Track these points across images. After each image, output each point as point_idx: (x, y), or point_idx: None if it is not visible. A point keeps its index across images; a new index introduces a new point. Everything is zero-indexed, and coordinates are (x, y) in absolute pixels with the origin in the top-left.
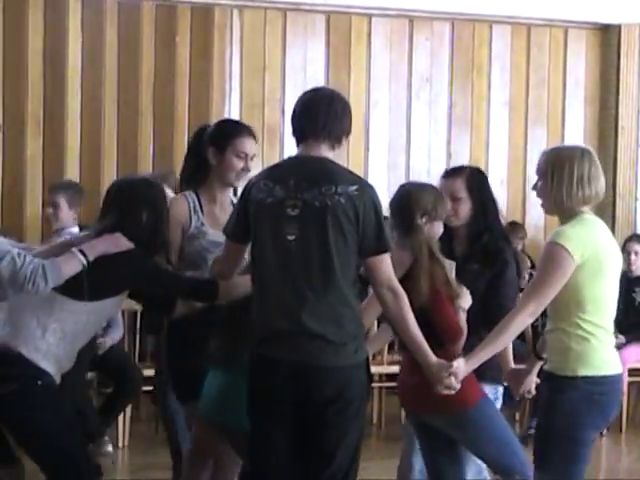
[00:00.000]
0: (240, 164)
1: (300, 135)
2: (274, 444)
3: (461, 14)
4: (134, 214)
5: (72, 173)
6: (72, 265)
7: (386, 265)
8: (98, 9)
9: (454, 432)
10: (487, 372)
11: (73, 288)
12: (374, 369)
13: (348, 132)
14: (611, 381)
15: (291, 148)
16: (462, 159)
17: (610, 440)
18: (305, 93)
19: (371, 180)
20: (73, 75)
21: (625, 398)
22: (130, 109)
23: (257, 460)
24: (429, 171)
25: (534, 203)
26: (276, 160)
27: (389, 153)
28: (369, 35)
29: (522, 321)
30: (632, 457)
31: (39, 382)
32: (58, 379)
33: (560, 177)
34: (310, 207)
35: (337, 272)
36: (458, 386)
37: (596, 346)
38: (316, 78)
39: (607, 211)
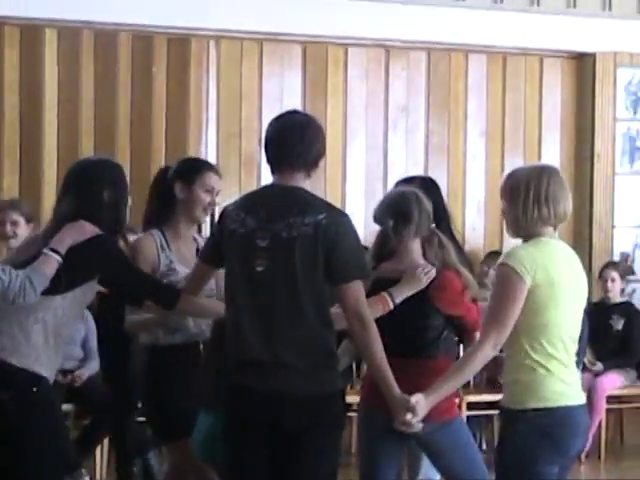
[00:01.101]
0: (207, 198)
1: (274, 164)
2: (250, 475)
3: (437, 43)
4: (96, 193)
5: (49, 205)
6: (50, 266)
7: (355, 293)
8: (74, 40)
9: (434, 442)
10: None
11: (61, 287)
12: (352, 399)
13: (323, 154)
14: (564, 414)
15: (268, 177)
16: (440, 188)
17: (588, 468)
18: (276, 119)
19: (349, 209)
20: (50, 107)
21: (604, 425)
22: (107, 140)
23: None
24: None
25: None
26: (253, 189)
27: (366, 182)
28: (345, 65)
29: (485, 354)
30: None
31: (34, 389)
32: (53, 378)
33: (516, 197)
34: (278, 238)
35: (306, 303)
36: (418, 427)
37: (546, 377)
38: (293, 107)
39: (584, 239)
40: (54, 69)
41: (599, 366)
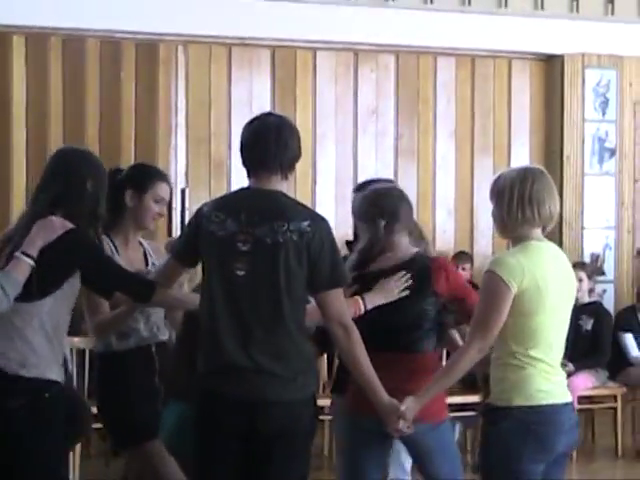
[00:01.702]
0: (156, 208)
1: (250, 167)
2: (220, 479)
3: (405, 46)
4: (80, 182)
5: (19, 209)
6: (22, 270)
7: (337, 300)
8: (42, 45)
9: (424, 443)
10: None
11: (45, 289)
12: (324, 402)
13: (299, 157)
14: (548, 411)
15: (238, 182)
16: (409, 190)
17: None
18: (251, 121)
19: (319, 212)
20: (18, 113)
21: None
22: (76, 144)
23: None
24: None
25: (482, 232)
26: (223, 193)
27: (336, 186)
28: (314, 68)
29: (470, 358)
30: None
31: (47, 394)
32: (62, 376)
33: (502, 199)
34: (261, 243)
35: (286, 309)
36: (409, 431)
37: (533, 375)
38: (262, 111)
39: (554, 239)
40: (22, 75)
41: (570, 367)
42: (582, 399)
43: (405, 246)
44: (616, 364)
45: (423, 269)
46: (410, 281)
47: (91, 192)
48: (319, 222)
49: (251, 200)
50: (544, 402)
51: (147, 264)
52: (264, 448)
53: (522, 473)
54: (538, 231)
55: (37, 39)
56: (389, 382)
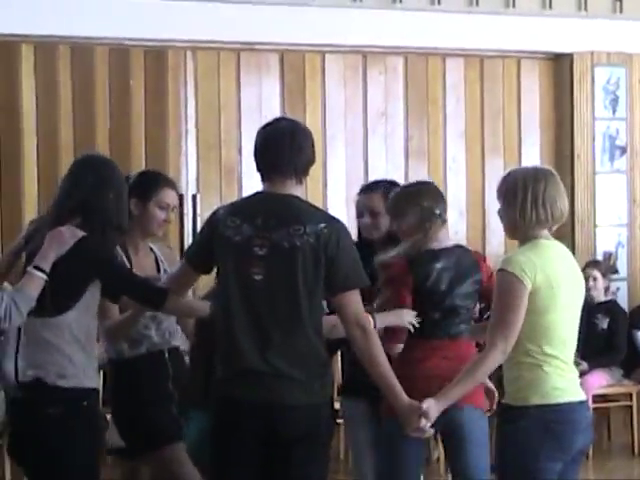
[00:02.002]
0: (162, 215)
1: (264, 171)
2: None
3: (414, 48)
4: (105, 193)
5: (30, 217)
6: (35, 285)
7: (354, 302)
8: (51, 53)
9: (470, 428)
10: None
11: (60, 306)
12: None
13: (313, 161)
14: (566, 409)
15: (249, 187)
16: None
17: None
18: (265, 126)
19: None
20: (28, 122)
21: None
22: (86, 152)
23: None
24: None
25: (494, 232)
26: (234, 199)
27: (347, 187)
28: (323, 71)
29: (494, 359)
30: None
31: (85, 403)
32: (99, 382)
33: (514, 198)
34: (278, 248)
35: (304, 313)
36: (430, 431)
37: (548, 373)
38: (272, 116)
39: (566, 238)
40: (31, 84)
41: (584, 365)
42: (597, 397)
43: (447, 236)
44: (631, 362)
45: (468, 255)
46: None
47: (113, 202)
48: (335, 224)
49: (266, 204)
50: (561, 400)
51: (159, 270)
52: (283, 452)
53: (540, 472)
54: (546, 231)
55: (46, 48)
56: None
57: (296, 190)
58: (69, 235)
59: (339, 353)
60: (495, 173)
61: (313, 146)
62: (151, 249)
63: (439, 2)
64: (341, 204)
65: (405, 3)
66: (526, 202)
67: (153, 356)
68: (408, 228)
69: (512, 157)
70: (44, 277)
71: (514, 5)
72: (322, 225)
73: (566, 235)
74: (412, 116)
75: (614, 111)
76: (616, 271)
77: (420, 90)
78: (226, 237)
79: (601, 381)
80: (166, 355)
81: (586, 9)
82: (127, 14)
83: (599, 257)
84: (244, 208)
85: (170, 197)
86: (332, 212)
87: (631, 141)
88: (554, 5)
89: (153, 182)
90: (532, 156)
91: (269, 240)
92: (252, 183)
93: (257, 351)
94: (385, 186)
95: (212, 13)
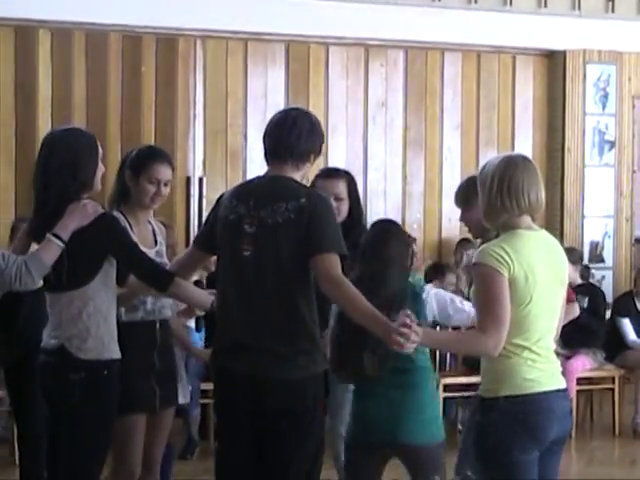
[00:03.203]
0: (152, 189)
1: (267, 155)
2: (234, 454)
3: (414, 42)
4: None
5: None
6: (51, 252)
7: (328, 263)
8: (67, 39)
9: None
10: None
11: (78, 280)
12: None
13: (316, 151)
14: (537, 399)
15: (253, 171)
16: (417, 180)
17: None
18: (275, 114)
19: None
20: (43, 103)
21: (575, 406)
22: (99, 136)
23: (219, 470)
24: (385, 191)
25: None
26: (238, 182)
27: None
28: (327, 63)
29: (481, 347)
30: (582, 462)
31: (105, 372)
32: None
33: (484, 187)
34: (264, 225)
35: (290, 288)
36: (411, 347)
37: (518, 365)
38: (276, 104)
39: (555, 228)
40: (47, 68)
41: (566, 351)
42: (582, 380)
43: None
44: (614, 347)
45: None
46: None
47: (62, 173)
48: (316, 197)
49: (260, 186)
50: (531, 391)
51: (156, 242)
52: (270, 425)
53: (514, 465)
54: (526, 219)
55: (62, 33)
56: None
57: (295, 175)
58: (90, 209)
59: None
60: None
61: (318, 135)
62: (149, 222)
63: None
64: None
65: None
66: (492, 190)
67: (145, 324)
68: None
69: (505, 149)
70: (62, 245)
71: (511, 3)
72: (303, 200)
73: (555, 225)
74: (411, 107)
75: (604, 107)
76: (602, 260)
77: (419, 82)
78: (224, 217)
79: (585, 364)
80: (157, 326)
81: (579, 8)
82: (140, 2)
83: (586, 247)
84: (242, 190)
85: (160, 172)
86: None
87: (619, 136)
88: (549, 4)
89: (145, 157)
90: (525, 148)
91: (257, 218)
92: (256, 167)
93: (246, 324)
94: (346, 174)
95: (222, 4)
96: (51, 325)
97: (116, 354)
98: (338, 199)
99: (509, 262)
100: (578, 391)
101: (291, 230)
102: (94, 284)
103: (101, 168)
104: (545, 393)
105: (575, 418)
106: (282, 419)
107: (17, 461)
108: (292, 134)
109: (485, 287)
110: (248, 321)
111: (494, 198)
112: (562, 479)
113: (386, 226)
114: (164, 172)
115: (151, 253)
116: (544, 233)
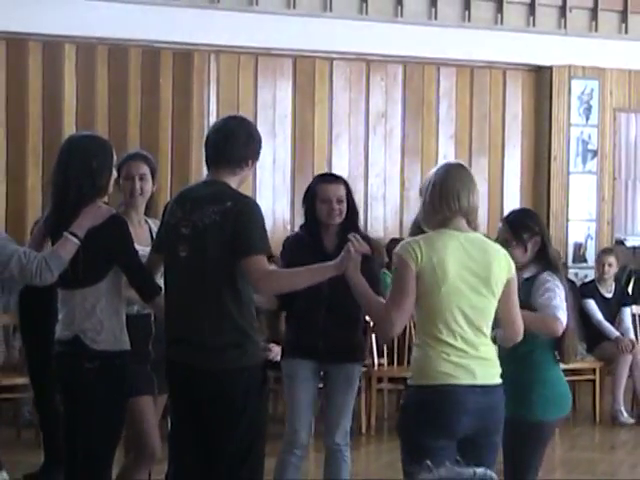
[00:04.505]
0: (129, 185)
1: (206, 161)
2: (180, 438)
3: (412, 57)
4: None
5: None
6: (69, 248)
7: (256, 264)
8: (90, 54)
9: None
10: (356, 352)
11: (93, 277)
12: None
13: (253, 157)
14: (445, 391)
15: (262, 176)
16: (414, 185)
17: None
18: (215, 122)
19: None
20: (69, 112)
21: None
22: (119, 143)
23: (170, 450)
24: (385, 196)
25: (481, 225)
26: (249, 188)
27: (349, 180)
28: (331, 76)
29: (380, 322)
30: (565, 447)
31: (116, 362)
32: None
33: (424, 192)
34: (195, 227)
35: (220, 287)
36: (360, 249)
37: (432, 357)
38: (284, 114)
39: None
40: (73, 80)
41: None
42: (565, 372)
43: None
44: (592, 339)
45: None
46: None
47: (75, 176)
48: (242, 200)
49: (196, 191)
50: (441, 382)
51: (152, 240)
52: (203, 411)
53: (420, 447)
54: (457, 221)
55: (86, 48)
56: None
57: (229, 179)
58: (104, 210)
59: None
60: (481, 171)
61: (254, 145)
62: (146, 221)
63: (436, 17)
64: None
65: (406, 17)
66: (427, 194)
67: (141, 317)
68: None
69: (496, 157)
70: (77, 242)
71: (502, 22)
72: (229, 203)
73: None
74: (409, 118)
75: (587, 119)
76: (585, 260)
77: (416, 95)
78: (166, 221)
79: None
80: (152, 318)
81: (565, 28)
82: (159, 20)
83: (570, 248)
84: (182, 195)
85: (132, 168)
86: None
87: (601, 146)
88: (537, 23)
89: (123, 160)
90: (514, 157)
91: (191, 221)
92: (263, 172)
93: (182, 320)
94: (343, 179)
95: (234, 22)
96: (65, 319)
97: (126, 345)
98: (340, 201)
99: (418, 254)
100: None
101: (216, 232)
102: (107, 281)
103: (113, 174)
104: (456, 386)
105: None
106: (213, 405)
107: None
108: (228, 142)
109: (396, 274)
110: (184, 317)
111: (429, 201)
112: (546, 463)
113: None
114: (136, 167)
115: (146, 251)
116: (474, 235)
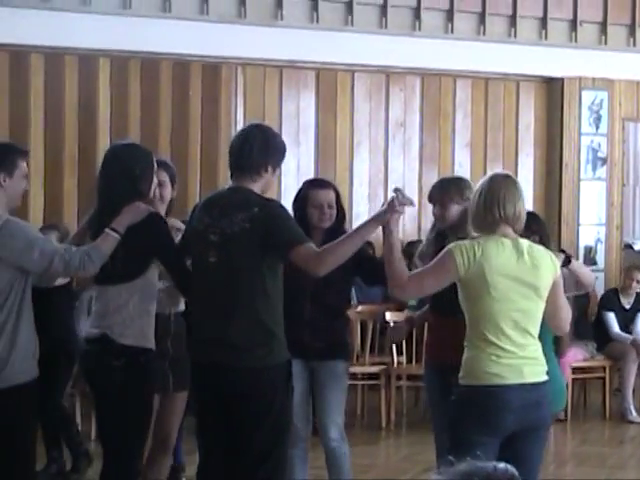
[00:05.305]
0: (156, 191)
1: (230, 169)
2: (208, 433)
3: (429, 70)
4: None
5: None
6: (109, 243)
7: (304, 251)
8: (124, 66)
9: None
10: (341, 350)
11: (130, 272)
12: (357, 369)
13: (272, 163)
14: (493, 391)
15: (288, 184)
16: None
17: (556, 428)
18: (238, 131)
19: (355, 209)
20: (103, 122)
21: (570, 392)
22: (151, 150)
23: (200, 450)
24: None
25: None
26: (275, 193)
27: (370, 186)
28: (352, 87)
29: (392, 283)
30: (576, 442)
31: (142, 358)
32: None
33: (472, 199)
34: (224, 234)
35: (249, 290)
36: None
37: (480, 357)
38: (308, 124)
39: (554, 235)
40: (107, 91)
41: None
42: (576, 370)
43: None
44: (602, 340)
45: None
46: None
47: (120, 181)
48: (268, 204)
49: (223, 198)
50: (490, 383)
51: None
52: (230, 408)
53: (465, 441)
54: (503, 228)
55: (120, 61)
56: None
57: (251, 186)
58: (144, 208)
59: None
60: None
61: (272, 150)
62: (178, 229)
63: (452, 32)
64: (364, 200)
65: (424, 32)
66: (475, 202)
67: (160, 316)
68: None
69: (510, 165)
70: (118, 237)
71: (515, 36)
72: (256, 209)
73: (553, 232)
74: (426, 127)
75: (597, 128)
76: (595, 263)
77: (434, 105)
78: (194, 227)
79: (577, 356)
80: (171, 318)
81: (576, 41)
82: (189, 35)
83: (581, 251)
84: (209, 201)
85: (159, 175)
86: (356, 208)
87: (611, 154)
88: (549, 37)
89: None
90: (527, 164)
91: (219, 228)
92: (289, 180)
93: (211, 322)
94: (333, 184)
95: (260, 36)
96: (96, 315)
97: (151, 344)
98: (330, 207)
99: (469, 257)
100: (573, 379)
101: (245, 238)
102: (143, 278)
103: (155, 181)
104: (504, 387)
105: (570, 403)
106: (240, 403)
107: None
108: (244, 150)
109: (437, 259)
110: (213, 319)
111: (475, 209)
112: (558, 456)
113: None
114: (160, 173)
115: None
116: (522, 241)
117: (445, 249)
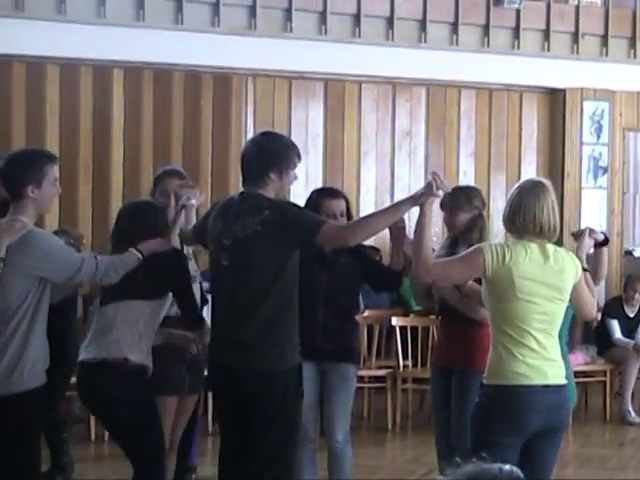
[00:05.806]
0: (163, 200)
1: (242, 175)
2: (224, 433)
3: (435, 80)
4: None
5: (116, 207)
6: (132, 260)
7: (329, 231)
8: (137, 76)
9: (460, 385)
10: (351, 354)
11: (148, 292)
12: (364, 372)
13: (275, 166)
14: (519, 392)
15: (297, 191)
16: (436, 199)
17: None
18: (250, 140)
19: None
20: (117, 131)
21: None
22: (163, 158)
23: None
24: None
25: (495, 235)
26: None
27: (376, 194)
28: (360, 98)
29: (417, 268)
30: (578, 444)
31: (143, 377)
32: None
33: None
34: (237, 238)
35: (262, 293)
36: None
37: (507, 357)
38: (316, 133)
39: (557, 242)
40: (121, 100)
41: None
42: (578, 373)
43: None
44: (604, 344)
45: None
46: None
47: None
48: (278, 204)
49: (235, 203)
50: (515, 383)
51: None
52: (242, 409)
53: (488, 442)
54: (529, 236)
55: (133, 72)
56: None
57: (261, 190)
58: (168, 242)
59: None
60: (499, 186)
61: (271, 155)
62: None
63: (457, 44)
64: (371, 207)
65: (429, 43)
66: (506, 206)
67: (180, 319)
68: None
69: (513, 173)
70: (140, 257)
71: (518, 48)
72: (267, 212)
73: (556, 239)
74: (432, 137)
75: (598, 137)
76: None
77: (439, 115)
78: (210, 232)
79: (579, 360)
80: None
81: (578, 52)
82: (200, 46)
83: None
84: (223, 206)
85: (168, 184)
86: (363, 214)
87: (612, 163)
88: (552, 48)
89: (159, 175)
90: (530, 173)
91: (232, 232)
92: (298, 187)
93: (225, 324)
94: (343, 193)
95: (270, 47)
96: (97, 332)
97: (150, 364)
98: (342, 215)
99: (499, 257)
100: (575, 383)
101: (259, 240)
102: (155, 301)
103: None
104: (529, 387)
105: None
106: (250, 405)
107: (92, 437)
108: (244, 159)
109: (466, 253)
110: (227, 321)
111: (504, 215)
112: (560, 458)
113: None
114: (170, 183)
115: None
116: (548, 245)
117: (476, 246)
